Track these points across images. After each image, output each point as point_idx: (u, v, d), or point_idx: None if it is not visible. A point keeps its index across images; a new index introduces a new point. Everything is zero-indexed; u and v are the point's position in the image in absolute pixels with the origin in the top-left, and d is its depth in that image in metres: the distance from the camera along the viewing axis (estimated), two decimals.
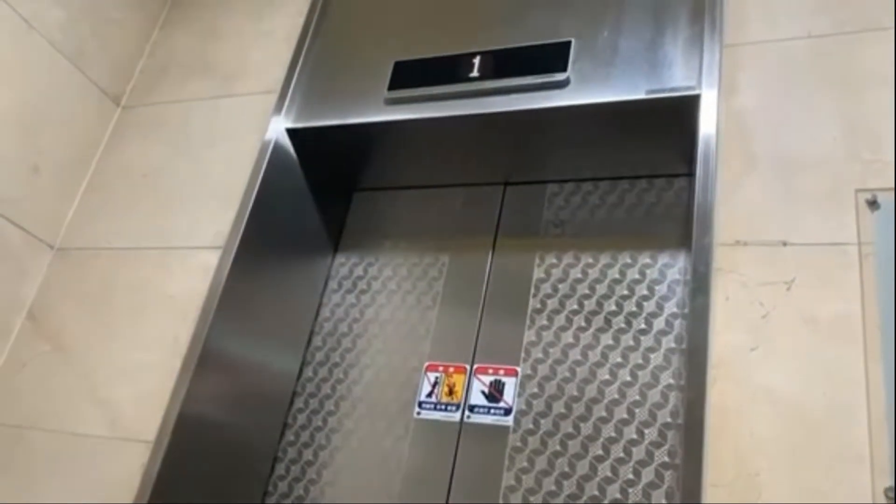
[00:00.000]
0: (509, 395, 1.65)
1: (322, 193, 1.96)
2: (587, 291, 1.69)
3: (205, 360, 1.61)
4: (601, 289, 1.68)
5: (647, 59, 1.55)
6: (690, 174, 1.58)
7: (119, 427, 1.62)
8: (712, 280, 1.31)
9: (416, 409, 1.72)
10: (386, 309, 1.89)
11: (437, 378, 1.74)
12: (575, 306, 1.69)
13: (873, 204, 1.26)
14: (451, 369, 1.73)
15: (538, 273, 1.76)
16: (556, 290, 1.72)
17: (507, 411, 1.63)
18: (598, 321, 1.65)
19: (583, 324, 1.66)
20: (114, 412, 1.64)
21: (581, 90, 1.58)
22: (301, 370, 1.89)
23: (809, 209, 1.32)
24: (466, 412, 1.66)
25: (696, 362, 1.26)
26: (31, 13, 1.91)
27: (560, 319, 1.69)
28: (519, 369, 1.67)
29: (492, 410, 1.65)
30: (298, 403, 1.85)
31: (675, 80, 1.51)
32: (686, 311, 1.54)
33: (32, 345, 1.82)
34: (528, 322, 1.71)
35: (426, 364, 1.77)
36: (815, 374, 1.19)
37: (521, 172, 1.87)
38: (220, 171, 1.87)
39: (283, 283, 1.85)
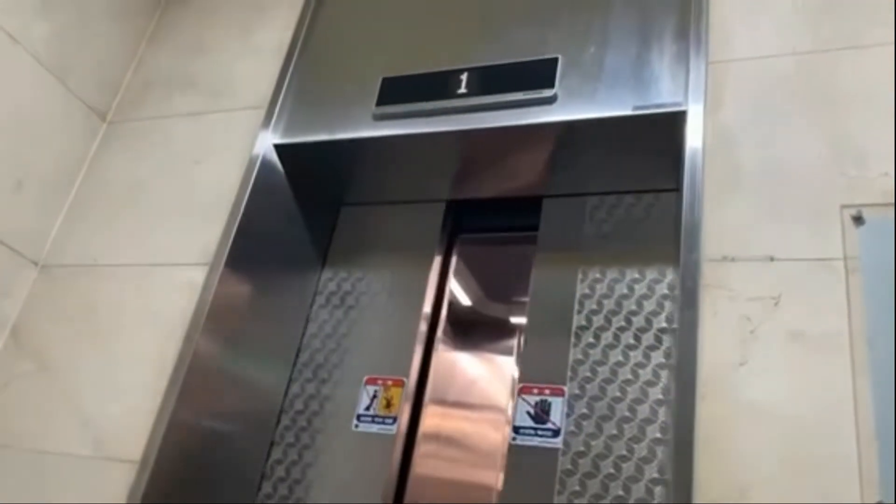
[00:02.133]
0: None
1: (310, 208, 1.96)
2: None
3: (191, 378, 1.59)
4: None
5: (634, 75, 1.57)
6: (677, 189, 1.59)
7: (104, 447, 1.60)
8: (700, 296, 1.31)
9: None
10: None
11: None
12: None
13: (858, 220, 1.28)
14: None
15: None
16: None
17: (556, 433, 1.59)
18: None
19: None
20: (98, 431, 1.62)
21: (569, 106, 1.59)
22: (288, 387, 1.88)
23: (796, 224, 1.32)
24: (511, 434, 1.61)
25: (684, 378, 1.26)
26: (16, 28, 1.90)
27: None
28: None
29: (539, 431, 1.60)
30: (286, 421, 1.84)
31: (662, 96, 1.53)
32: (675, 326, 1.54)
33: (15, 363, 1.79)
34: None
35: None
36: (803, 388, 1.20)
37: (510, 189, 1.87)
38: (206, 187, 1.86)
39: (271, 299, 1.84)
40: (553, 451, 1.56)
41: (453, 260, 2.04)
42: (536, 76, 1.63)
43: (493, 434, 2.79)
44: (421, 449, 1.78)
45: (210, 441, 1.66)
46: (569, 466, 1.53)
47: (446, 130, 1.69)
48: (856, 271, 1.24)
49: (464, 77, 1.70)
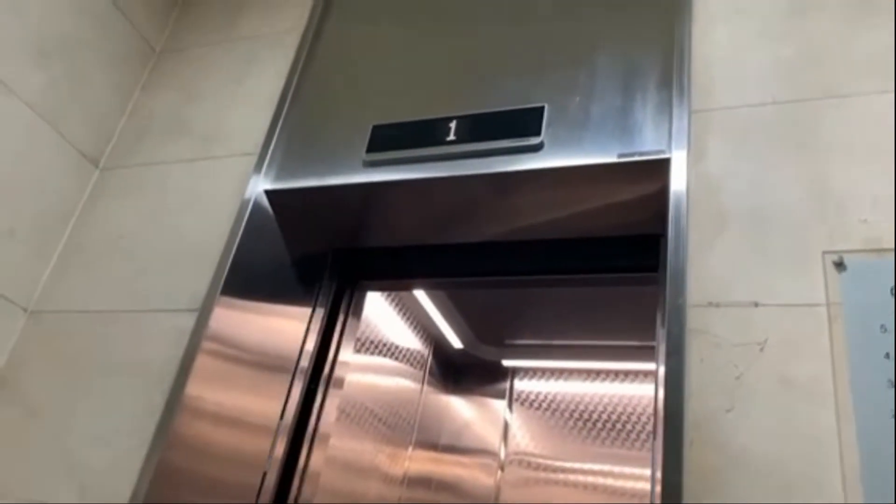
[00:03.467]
0: None
1: (300, 253, 1.97)
2: None
3: (179, 424, 1.59)
4: None
5: (619, 123, 1.60)
6: (662, 235, 1.61)
7: (89, 493, 1.58)
8: (686, 341, 1.32)
9: None
10: None
11: None
12: None
13: (840, 265, 1.29)
14: None
15: None
16: None
17: None
18: None
19: None
20: (85, 478, 1.61)
21: (555, 153, 1.62)
22: (278, 430, 1.87)
23: (779, 270, 1.34)
24: None
25: (672, 424, 1.26)
26: (10, 76, 1.92)
27: None
28: None
29: None
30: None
31: (646, 144, 1.55)
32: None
33: (2, 409, 1.78)
34: None
35: None
36: (789, 434, 1.20)
37: (500, 233, 1.89)
38: (197, 233, 1.87)
39: (261, 344, 1.84)
40: None
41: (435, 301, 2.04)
42: (523, 124, 1.65)
43: (485, 478, 2.77)
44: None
45: (199, 487, 1.64)
46: None
47: (436, 177, 1.71)
48: (838, 317, 1.25)
49: (453, 125, 1.73)
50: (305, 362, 1.94)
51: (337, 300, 2.03)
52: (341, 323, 1.99)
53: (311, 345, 1.97)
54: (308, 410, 1.90)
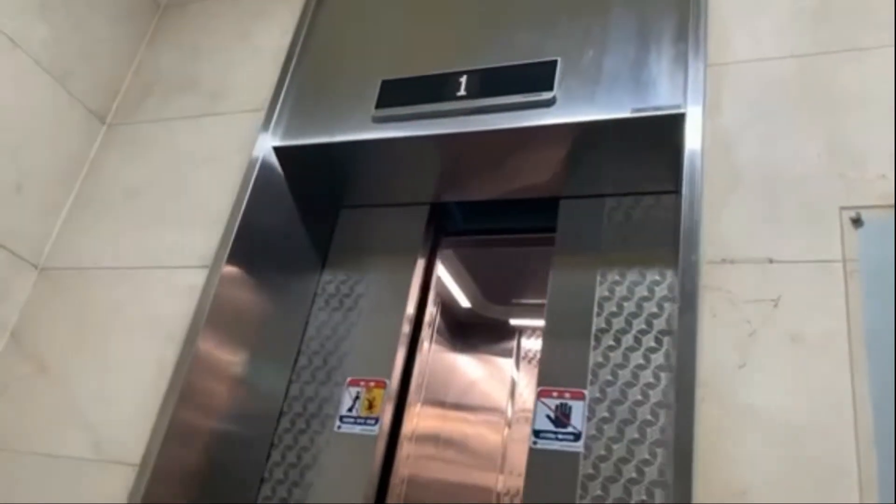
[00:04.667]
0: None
1: (309, 211, 1.96)
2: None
3: (190, 380, 1.60)
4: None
5: (633, 77, 1.57)
6: (677, 192, 1.59)
7: (104, 450, 1.60)
8: (699, 297, 1.31)
9: None
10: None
11: None
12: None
13: (857, 221, 1.28)
14: None
15: None
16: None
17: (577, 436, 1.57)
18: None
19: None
20: (98, 434, 1.62)
21: (568, 108, 1.59)
22: (288, 389, 1.88)
23: (795, 227, 1.33)
24: (533, 438, 1.59)
25: (684, 380, 1.26)
26: (16, 31, 1.90)
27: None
28: None
29: (559, 435, 1.58)
30: (285, 423, 1.84)
31: (661, 98, 1.53)
32: (675, 328, 1.54)
33: (15, 366, 1.79)
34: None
35: None
36: (802, 391, 1.20)
37: (509, 191, 1.87)
38: (206, 190, 1.86)
39: (270, 301, 1.84)
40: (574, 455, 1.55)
41: (443, 261, 2.04)
42: (535, 79, 1.63)
43: (492, 435, 2.79)
44: (404, 449, 1.78)
45: (210, 443, 1.66)
46: (590, 471, 1.53)
47: (445, 133, 1.69)
48: (854, 273, 1.24)
49: (463, 79, 1.70)
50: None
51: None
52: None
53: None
54: None
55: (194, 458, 1.61)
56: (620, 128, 1.55)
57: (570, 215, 1.82)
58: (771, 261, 1.31)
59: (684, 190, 1.41)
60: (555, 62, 1.64)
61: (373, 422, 1.72)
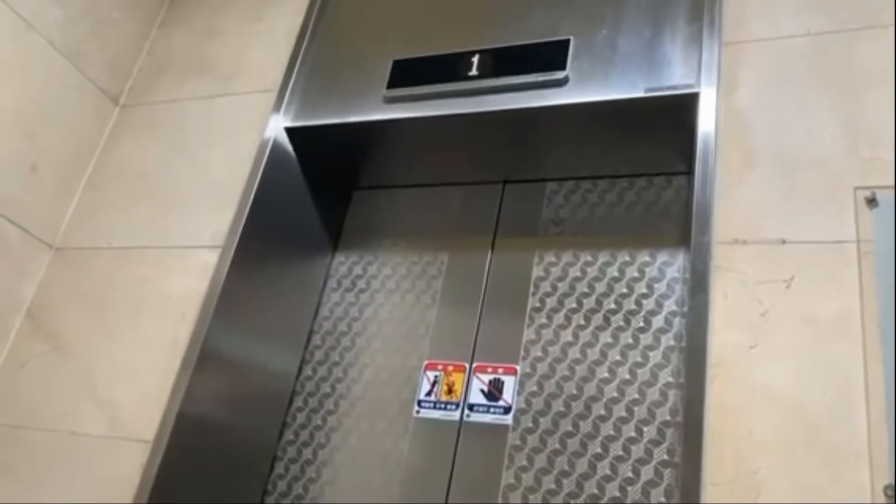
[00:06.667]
0: (508, 394, 1.65)
1: (321, 192, 1.96)
2: (586, 290, 1.69)
3: (204, 359, 1.61)
4: (600, 287, 1.68)
5: (646, 57, 1.55)
6: (689, 172, 1.58)
7: (118, 427, 1.62)
8: (711, 278, 1.31)
9: (416, 407, 1.72)
10: (385, 308, 1.89)
11: (436, 377, 1.74)
12: (574, 304, 1.69)
13: (872, 202, 1.26)
14: (451, 368, 1.73)
15: (537, 272, 1.76)
16: (555, 288, 1.72)
17: (507, 410, 1.63)
18: (598, 319, 1.65)
19: (582, 322, 1.66)
20: (113, 412, 1.64)
21: (580, 88, 1.58)
22: (300, 369, 1.89)
23: (808, 207, 1.31)
24: (466, 411, 1.66)
25: (695, 361, 1.26)
26: (30, 13, 1.91)
27: (559, 318, 1.69)
28: (518, 367, 1.67)
29: (491, 409, 1.64)
30: (298, 402, 1.85)
31: (674, 78, 1.51)
32: (685, 309, 1.54)
33: (31, 344, 1.82)
34: (527, 321, 1.71)
35: (425, 363, 1.77)
36: (814, 372, 1.19)
37: (520, 171, 1.87)
38: (218, 170, 1.87)
39: (283, 282, 1.85)
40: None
41: None
42: (548, 58, 1.62)
43: None
44: None
45: (222, 421, 1.67)
46: (517, 442, 1.58)
47: (457, 113, 1.68)
48: (868, 254, 1.23)
49: (475, 59, 1.69)
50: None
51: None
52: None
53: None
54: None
55: (207, 436, 1.63)
56: (633, 107, 1.54)
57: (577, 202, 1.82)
58: (784, 241, 1.30)
59: (697, 170, 1.40)
60: (567, 41, 1.62)
61: (453, 406, 1.70)
